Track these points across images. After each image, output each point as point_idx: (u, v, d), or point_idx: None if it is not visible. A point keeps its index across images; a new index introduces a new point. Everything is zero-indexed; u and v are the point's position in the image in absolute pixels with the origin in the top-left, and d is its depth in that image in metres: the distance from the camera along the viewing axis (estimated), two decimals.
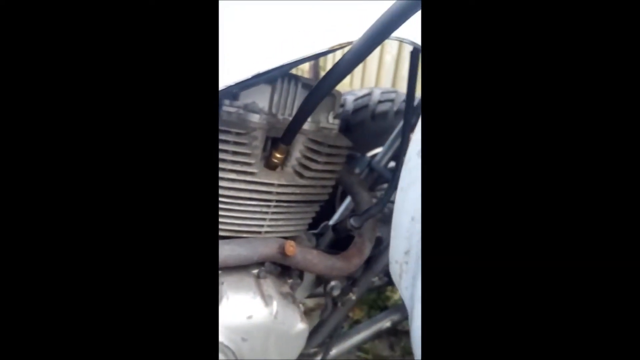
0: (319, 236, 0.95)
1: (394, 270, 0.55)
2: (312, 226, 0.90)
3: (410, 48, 0.68)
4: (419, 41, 0.54)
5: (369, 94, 1.48)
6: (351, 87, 3.53)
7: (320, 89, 0.56)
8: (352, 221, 0.75)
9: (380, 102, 1.45)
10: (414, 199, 0.48)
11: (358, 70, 3.49)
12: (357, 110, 1.44)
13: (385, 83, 3.24)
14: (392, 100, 1.46)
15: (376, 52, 2.08)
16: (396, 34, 0.48)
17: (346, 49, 0.50)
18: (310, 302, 1.47)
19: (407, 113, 0.74)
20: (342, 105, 1.46)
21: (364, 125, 1.43)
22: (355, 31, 0.50)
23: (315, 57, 0.56)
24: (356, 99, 1.46)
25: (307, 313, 1.52)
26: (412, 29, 0.51)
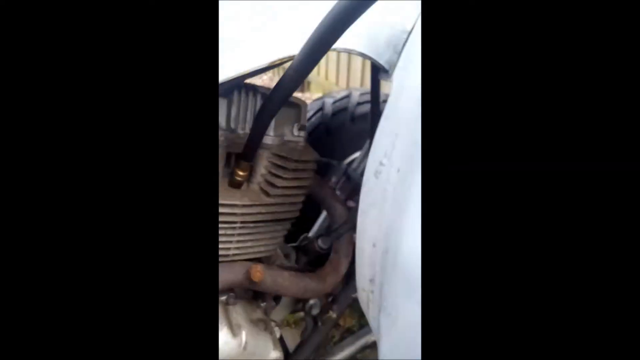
0: (298, 249, 0.90)
1: (362, 298, 0.51)
2: (294, 238, 0.85)
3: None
4: (367, 51, 0.49)
5: (348, 96, 1.43)
6: (337, 86, 3.49)
7: (271, 102, 0.52)
8: (320, 242, 0.70)
9: (359, 103, 1.40)
10: (373, 222, 0.44)
11: (343, 69, 3.44)
12: (336, 113, 1.39)
13: None
14: None
15: None
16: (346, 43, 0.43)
17: None
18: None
19: (372, 126, 0.70)
20: (321, 109, 1.41)
21: (344, 128, 1.38)
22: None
23: (269, 69, 0.52)
24: (335, 102, 1.41)
25: (297, 323, 1.47)
26: (361, 38, 0.47)
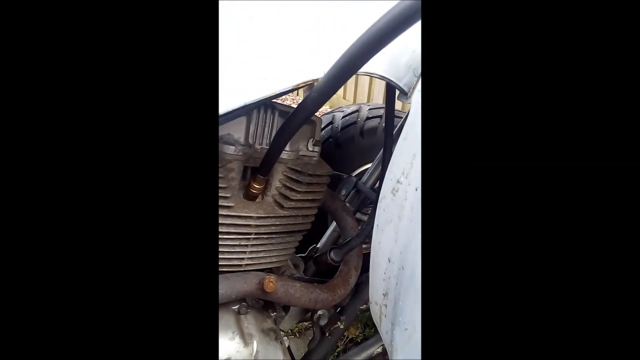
0: (307, 260, 0.92)
1: (374, 311, 0.52)
2: (302, 248, 0.87)
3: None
4: (388, 74, 0.51)
5: (357, 111, 1.45)
6: (345, 100, 3.52)
7: (293, 121, 0.54)
8: (332, 255, 0.72)
9: (368, 118, 1.42)
10: (389, 239, 0.46)
11: (350, 84, 3.48)
12: (345, 127, 1.41)
13: (378, 97, 3.23)
14: (380, 116, 1.44)
15: None
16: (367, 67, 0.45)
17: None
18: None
19: (386, 144, 0.72)
20: (331, 123, 1.44)
21: (353, 142, 1.40)
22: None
23: (292, 91, 0.54)
24: (344, 116, 1.44)
25: (302, 332, 1.48)
26: (382, 62, 0.49)
